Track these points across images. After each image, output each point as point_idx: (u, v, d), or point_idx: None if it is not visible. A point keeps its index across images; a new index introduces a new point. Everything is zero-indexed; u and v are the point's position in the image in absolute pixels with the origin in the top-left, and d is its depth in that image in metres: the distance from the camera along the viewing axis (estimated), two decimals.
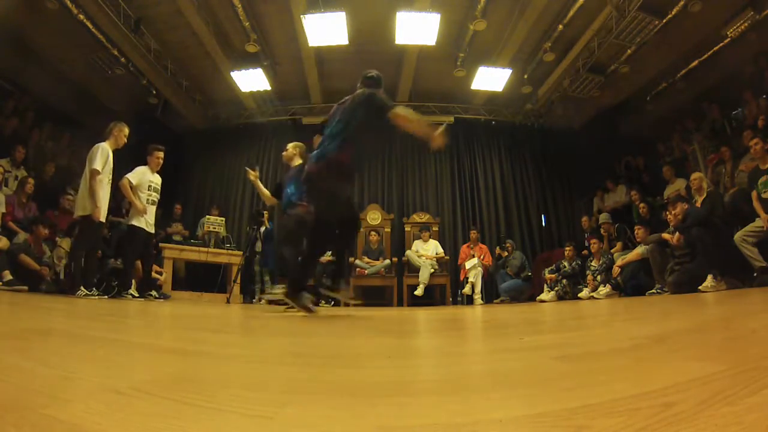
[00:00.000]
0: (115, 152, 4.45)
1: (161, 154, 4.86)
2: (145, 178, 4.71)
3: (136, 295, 4.77)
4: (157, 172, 4.91)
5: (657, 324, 1.72)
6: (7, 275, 4.33)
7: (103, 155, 4.22)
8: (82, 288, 4.09)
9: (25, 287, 4.34)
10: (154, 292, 4.96)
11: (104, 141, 4.36)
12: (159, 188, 4.89)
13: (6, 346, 0.97)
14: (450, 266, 6.99)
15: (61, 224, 5.34)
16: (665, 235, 4.67)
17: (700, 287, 3.75)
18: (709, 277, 3.77)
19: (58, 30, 5.81)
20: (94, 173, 4.16)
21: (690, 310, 2.26)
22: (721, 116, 6.71)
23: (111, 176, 4.40)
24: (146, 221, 4.65)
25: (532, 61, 7.10)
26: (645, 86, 7.31)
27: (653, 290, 4.75)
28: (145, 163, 4.84)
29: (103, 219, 4.33)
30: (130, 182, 4.56)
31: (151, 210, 4.76)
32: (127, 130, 4.46)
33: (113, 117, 4.65)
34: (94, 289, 4.27)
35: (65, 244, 5.11)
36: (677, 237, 4.44)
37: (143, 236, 4.66)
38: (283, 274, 4.03)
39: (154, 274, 5.78)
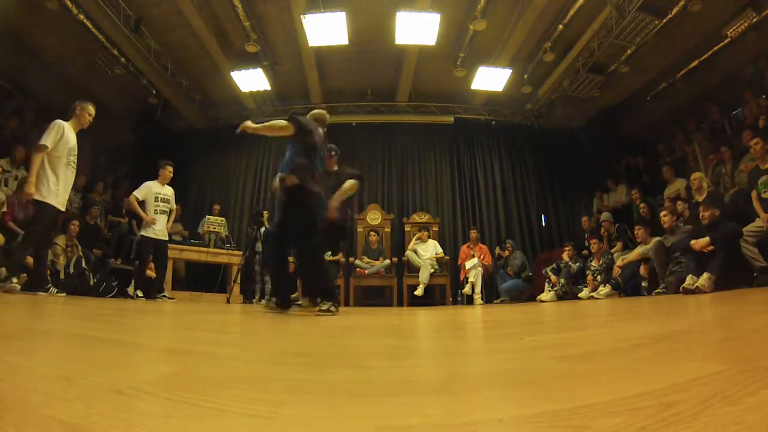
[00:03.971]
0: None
1: (171, 169, 5.20)
2: (152, 191, 5.03)
3: (140, 294, 5.02)
4: (156, 173, 5.17)
5: (657, 324, 1.72)
6: (3, 273, 4.32)
7: (56, 132, 3.72)
8: (14, 279, 3.58)
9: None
10: (166, 294, 5.12)
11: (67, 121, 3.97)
12: (169, 198, 5.19)
13: (6, 346, 0.97)
14: (450, 266, 6.99)
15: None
16: (694, 244, 4.11)
17: (697, 284, 3.71)
18: (706, 275, 3.73)
19: (58, 30, 5.81)
20: (40, 148, 3.65)
21: (690, 310, 2.26)
22: (721, 116, 6.71)
23: (74, 158, 3.91)
24: (154, 230, 4.98)
25: (532, 61, 7.10)
26: (645, 86, 7.31)
27: (659, 289, 4.75)
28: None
29: (60, 206, 3.80)
30: (136, 198, 4.93)
31: (162, 219, 5.07)
32: (91, 108, 4.02)
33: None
34: (52, 288, 3.82)
35: (61, 241, 5.13)
36: (705, 243, 4.01)
37: (151, 244, 5.00)
38: None
39: (154, 274, 5.81)
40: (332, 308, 2.84)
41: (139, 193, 4.96)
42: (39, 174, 3.66)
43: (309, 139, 3.02)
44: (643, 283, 4.97)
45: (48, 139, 3.69)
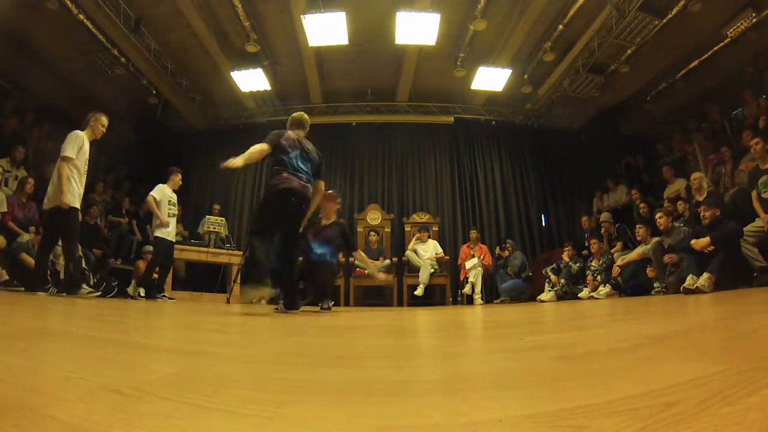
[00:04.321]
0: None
1: (180, 176, 5.41)
2: (166, 195, 5.19)
3: (142, 294, 5.13)
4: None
5: (657, 324, 1.72)
6: (4, 275, 4.33)
7: (76, 142, 3.93)
8: (84, 286, 4.04)
9: (22, 288, 4.33)
10: (166, 294, 5.19)
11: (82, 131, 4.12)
12: (175, 203, 5.39)
13: (6, 346, 0.97)
14: (450, 266, 6.99)
15: None
16: (695, 243, 4.07)
17: (697, 284, 3.72)
18: (706, 275, 3.74)
19: (58, 30, 5.81)
20: (65, 159, 3.87)
21: (690, 310, 2.26)
22: (721, 116, 6.71)
23: (86, 167, 4.14)
24: (167, 232, 5.13)
25: (532, 61, 7.11)
26: (645, 86, 7.31)
27: (659, 289, 4.74)
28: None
29: (77, 205, 4.05)
30: (154, 198, 5.05)
31: (172, 221, 5.24)
32: (104, 120, 4.21)
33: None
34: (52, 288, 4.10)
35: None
36: (705, 243, 3.96)
37: (165, 245, 5.13)
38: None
39: (154, 274, 5.81)
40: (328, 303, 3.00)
41: (156, 194, 5.08)
42: (71, 183, 3.91)
43: (279, 147, 3.12)
44: (655, 284, 4.90)
45: (72, 151, 3.90)
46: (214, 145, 8.52)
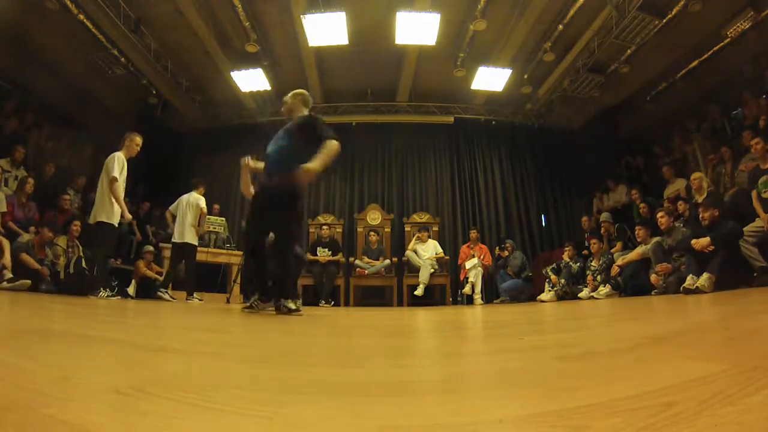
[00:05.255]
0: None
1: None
2: None
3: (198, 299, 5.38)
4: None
5: (657, 324, 1.72)
6: (8, 274, 4.33)
7: (119, 163, 4.35)
8: (102, 289, 4.33)
9: (28, 281, 4.34)
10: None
11: (119, 151, 4.48)
12: None
13: (6, 346, 0.97)
14: (450, 266, 6.99)
15: (58, 223, 5.38)
16: (695, 243, 4.04)
17: (697, 284, 3.71)
18: (706, 275, 3.74)
19: (58, 30, 5.81)
20: (113, 180, 4.29)
21: (690, 310, 2.26)
22: (721, 116, 6.71)
23: (125, 184, 4.54)
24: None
25: (532, 61, 7.10)
26: (645, 86, 7.31)
27: (657, 289, 4.73)
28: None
29: (116, 222, 4.48)
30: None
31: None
32: (139, 140, 4.57)
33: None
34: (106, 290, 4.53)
35: (62, 242, 5.13)
36: (706, 243, 3.93)
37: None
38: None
39: (154, 275, 5.82)
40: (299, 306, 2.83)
41: (205, 206, 5.43)
42: (109, 200, 4.29)
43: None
44: (660, 283, 4.84)
45: (117, 171, 4.31)
46: (214, 145, 8.52)
